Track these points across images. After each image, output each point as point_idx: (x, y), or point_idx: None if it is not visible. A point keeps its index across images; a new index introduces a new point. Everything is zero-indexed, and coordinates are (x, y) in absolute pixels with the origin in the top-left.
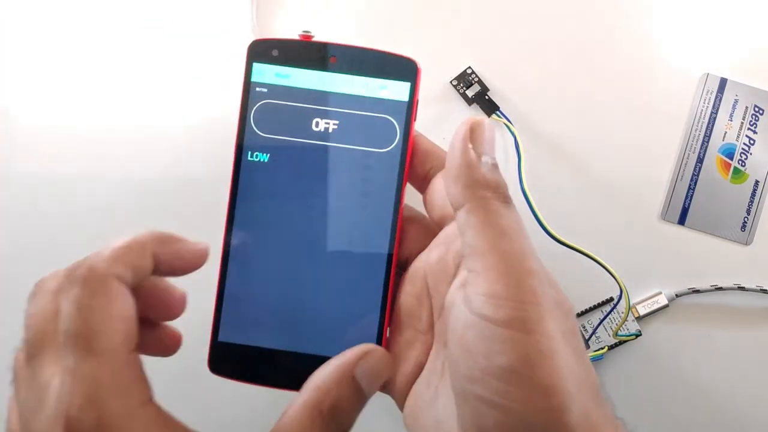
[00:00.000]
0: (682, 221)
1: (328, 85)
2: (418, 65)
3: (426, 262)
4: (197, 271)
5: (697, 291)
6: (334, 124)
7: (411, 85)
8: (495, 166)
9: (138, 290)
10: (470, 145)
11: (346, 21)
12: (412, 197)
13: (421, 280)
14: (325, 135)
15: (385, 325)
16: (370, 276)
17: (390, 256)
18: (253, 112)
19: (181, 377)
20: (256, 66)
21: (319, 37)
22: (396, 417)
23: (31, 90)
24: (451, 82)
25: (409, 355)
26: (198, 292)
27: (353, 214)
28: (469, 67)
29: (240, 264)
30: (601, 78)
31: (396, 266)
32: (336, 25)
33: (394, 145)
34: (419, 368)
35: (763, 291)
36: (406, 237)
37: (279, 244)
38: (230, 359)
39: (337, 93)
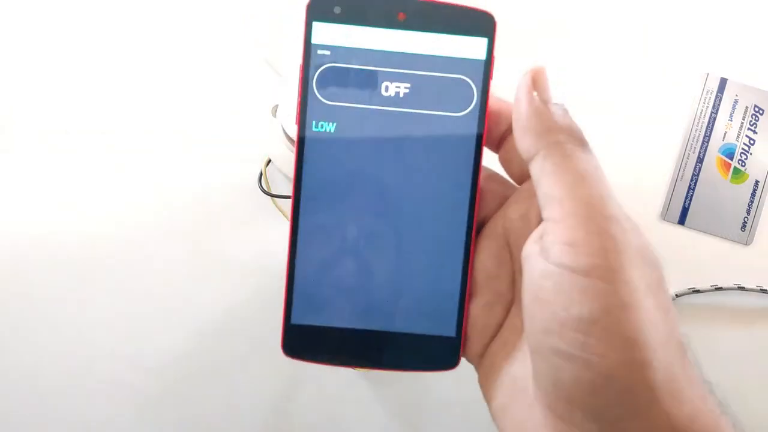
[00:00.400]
0: (682, 221)
1: (397, 44)
2: (495, 18)
3: (505, 218)
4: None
5: (697, 291)
6: (405, 88)
7: (489, 41)
8: (565, 110)
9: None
10: (535, 93)
11: None
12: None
13: (499, 237)
14: (395, 100)
15: (467, 296)
16: (448, 247)
17: (470, 225)
18: (315, 77)
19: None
20: (316, 25)
21: None
22: (398, 408)
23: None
24: None
25: (488, 319)
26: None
27: (428, 183)
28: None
29: (309, 242)
30: (600, 78)
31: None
32: None
33: (471, 107)
34: (498, 330)
35: (763, 291)
36: (483, 197)
37: (350, 218)
38: (304, 341)
39: (407, 53)
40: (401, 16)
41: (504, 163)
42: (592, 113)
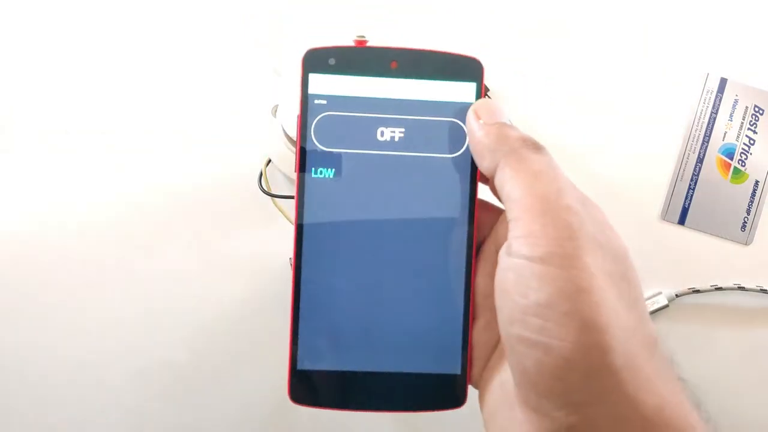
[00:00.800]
0: (682, 221)
1: (390, 91)
2: (482, 64)
3: (496, 238)
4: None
5: (697, 291)
6: (399, 132)
7: (477, 85)
8: (512, 126)
9: None
10: (481, 120)
11: (342, 22)
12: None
13: (492, 257)
14: (391, 144)
15: (470, 331)
16: (449, 286)
17: (469, 263)
18: (313, 125)
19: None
20: (312, 77)
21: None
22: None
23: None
24: None
25: (488, 338)
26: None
27: (427, 223)
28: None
29: (312, 288)
30: (600, 78)
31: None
32: (336, 26)
33: (464, 148)
34: (496, 346)
35: (763, 291)
36: (478, 225)
37: (352, 262)
38: (312, 387)
39: (400, 99)
40: (393, 65)
41: (495, 192)
42: (592, 113)
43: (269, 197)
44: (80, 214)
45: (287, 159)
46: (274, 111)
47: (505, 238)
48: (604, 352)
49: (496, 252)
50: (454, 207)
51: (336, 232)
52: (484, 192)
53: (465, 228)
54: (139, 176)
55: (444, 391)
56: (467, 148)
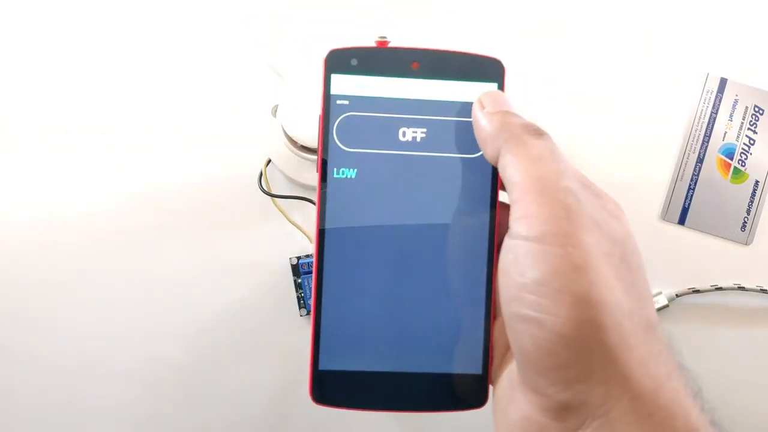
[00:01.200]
0: (682, 221)
1: (411, 92)
2: (503, 64)
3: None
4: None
5: (697, 291)
6: (421, 133)
7: (498, 86)
8: (514, 113)
9: None
10: (486, 109)
11: (342, 22)
12: None
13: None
14: (413, 144)
15: (491, 333)
16: (471, 286)
17: (490, 262)
18: (335, 126)
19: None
20: (334, 78)
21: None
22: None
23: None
24: None
25: (505, 338)
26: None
27: (449, 223)
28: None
29: (334, 288)
30: (600, 78)
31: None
32: (336, 26)
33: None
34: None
35: (763, 291)
36: (500, 224)
37: (374, 263)
38: (333, 387)
39: (422, 100)
40: (415, 66)
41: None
42: (592, 113)
43: (269, 197)
44: (80, 214)
45: (287, 159)
46: (274, 111)
47: None
48: (597, 328)
49: None
50: (475, 207)
51: (357, 232)
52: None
53: (486, 228)
54: (139, 176)
55: (465, 391)
56: None
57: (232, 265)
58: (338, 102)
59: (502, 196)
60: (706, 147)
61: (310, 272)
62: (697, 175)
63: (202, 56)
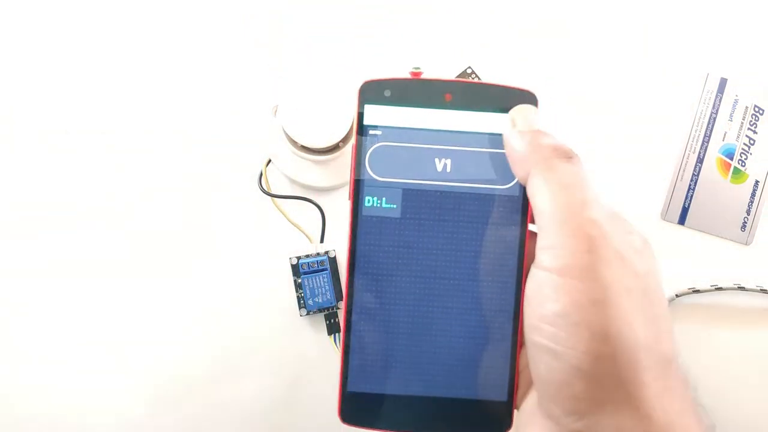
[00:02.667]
0: (682, 221)
1: (444, 123)
2: (537, 96)
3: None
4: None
5: (697, 291)
6: (453, 163)
7: None
8: (546, 133)
9: None
10: (517, 128)
11: (342, 22)
12: None
13: None
14: (444, 174)
15: (518, 357)
16: (498, 314)
17: (518, 293)
18: (368, 156)
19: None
20: (368, 108)
21: (426, 72)
22: None
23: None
24: None
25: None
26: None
27: (478, 253)
28: (469, 67)
29: (364, 312)
30: (600, 78)
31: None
32: (336, 26)
33: (516, 181)
34: None
35: (763, 291)
36: (529, 253)
37: (404, 288)
38: (361, 409)
39: (454, 131)
40: (448, 97)
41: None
42: (592, 113)
43: (269, 197)
44: (80, 214)
45: (287, 159)
46: (274, 111)
47: None
48: (612, 362)
49: None
50: (505, 237)
51: (388, 257)
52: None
53: (515, 258)
54: (139, 176)
55: (490, 417)
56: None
57: (232, 265)
58: (371, 132)
59: (532, 226)
60: (706, 147)
61: (310, 272)
62: (697, 175)
63: (202, 56)
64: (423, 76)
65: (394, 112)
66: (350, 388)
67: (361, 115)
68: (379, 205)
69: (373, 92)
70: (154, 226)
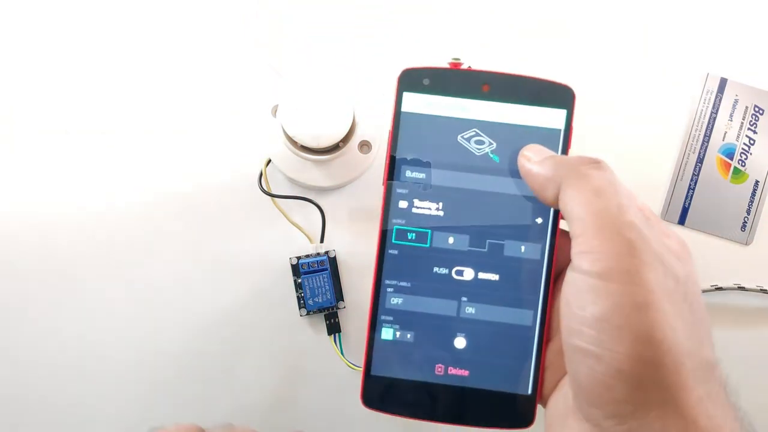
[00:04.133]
0: (682, 221)
1: (481, 113)
2: (574, 92)
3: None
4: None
5: None
6: (489, 155)
7: (567, 113)
8: (563, 155)
9: None
10: (533, 160)
11: (342, 22)
12: None
13: None
14: (477, 164)
15: (543, 354)
16: (526, 309)
17: (546, 289)
18: (403, 142)
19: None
20: (406, 95)
21: (466, 63)
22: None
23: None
24: None
25: (560, 361)
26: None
27: (507, 245)
28: (469, 67)
29: (391, 297)
30: (600, 78)
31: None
32: (336, 26)
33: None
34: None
35: (763, 291)
36: (559, 253)
37: (432, 274)
38: (383, 393)
39: (490, 122)
40: (485, 88)
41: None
42: (592, 113)
43: (269, 197)
44: (80, 214)
45: (287, 159)
46: (274, 111)
47: None
48: (656, 366)
49: None
50: (534, 231)
51: (418, 239)
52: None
53: (545, 254)
54: (139, 176)
55: (513, 410)
56: None
57: (232, 265)
58: (408, 119)
59: (562, 223)
60: (706, 147)
61: (310, 272)
62: (697, 175)
63: (203, 56)
64: (462, 67)
65: (433, 101)
66: (374, 371)
67: (399, 102)
68: (411, 189)
69: (412, 80)
70: (154, 225)
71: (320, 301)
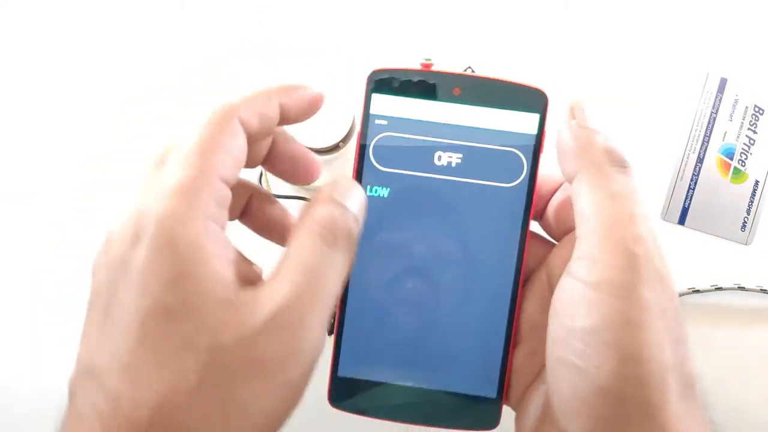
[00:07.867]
0: (682, 221)
1: (451, 116)
2: (547, 96)
3: (548, 267)
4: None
5: (697, 291)
6: (457, 158)
7: (540, 117)
8: (605, 136)
9: (279, 154)
10: (573, 121)
11: (342, 21)
12: None
13: (543, 286)
14: (447, 169)
15: (510, 357)
16: (493, 312)
17: (515, 292)
18: (372, 145)
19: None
20: (375, 97)
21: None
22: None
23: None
24: None
25: (531, 367)
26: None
27: (477, 249)
28: (469, 67)
29: (358, 300)
30: (600, 78)
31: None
32: (336, 26)
33: (520, 179)
34: (539, 374)
35: (763, 291)
36: (528, 255)
37: (399, 279)
38: (350, 393)
39: (461, 126)
40: (456, 91)
41: (547, 229)
42: (591, 113)
43: None
44: (80, 214)
45: None
46: None
47: (558, 269)
48: (640, 385)
49: (547, 282)
50: (504, 235)
51: (386, 249)
52: (535, 226)
53: (514, 257)
54: (139, 177)
55: (478, 413)
56: (524, 179)
57: None
58: (377, 122)
59: (534, 227)
60: (706, 147)
61: None
62: (697, 175)
63: (203, 56)
64: (433, 68)
65: (402, 103)
66: (340, 372)
67: (367, 104)
68: (380, 194)
69: (381, 81)
70: None
71: None
